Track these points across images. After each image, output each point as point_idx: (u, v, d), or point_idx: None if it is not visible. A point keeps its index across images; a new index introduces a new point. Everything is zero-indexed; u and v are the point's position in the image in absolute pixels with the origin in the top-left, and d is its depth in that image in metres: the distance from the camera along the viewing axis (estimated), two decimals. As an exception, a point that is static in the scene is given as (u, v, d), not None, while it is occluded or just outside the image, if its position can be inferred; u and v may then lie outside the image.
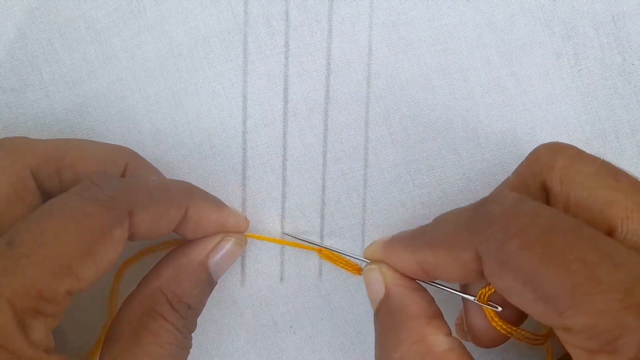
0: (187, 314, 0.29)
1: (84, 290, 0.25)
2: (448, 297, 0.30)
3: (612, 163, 0.27)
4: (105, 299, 0.33)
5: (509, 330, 0.28)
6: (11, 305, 0.22)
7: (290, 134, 0.34)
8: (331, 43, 0.34)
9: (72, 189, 0.26)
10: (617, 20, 0.33)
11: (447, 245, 0.26)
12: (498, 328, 0.28)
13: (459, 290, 0.30)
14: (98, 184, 0.26)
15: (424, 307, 0.27)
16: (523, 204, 0.24)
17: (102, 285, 0.33)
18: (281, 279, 0.35)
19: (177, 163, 0.34)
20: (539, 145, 0.28)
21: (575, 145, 0.28)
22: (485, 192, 0.34)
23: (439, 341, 0.26)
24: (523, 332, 0.28)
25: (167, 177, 0.33)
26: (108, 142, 0.33)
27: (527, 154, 0.29)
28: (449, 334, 0.26)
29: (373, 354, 0.28)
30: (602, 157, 0.27)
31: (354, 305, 0.35)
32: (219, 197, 0.32)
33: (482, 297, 0.28)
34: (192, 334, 0.30)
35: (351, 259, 0.33)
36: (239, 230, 0.32)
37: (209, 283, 0.31)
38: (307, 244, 0.34)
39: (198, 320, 0.30)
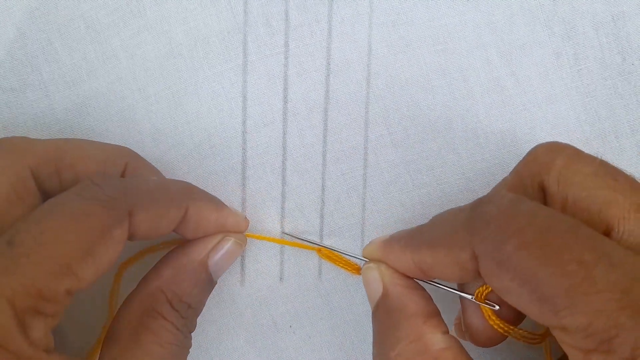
0: (187, 314, 0.29)
1: (83, 290, 0.25)
2: (448, 296, 0.30)
3: (612, 163, 0.27)
4: (105, 299, 0.33)
5: (506, 329, 0.28)
6: (11, 305, 0.22)
7: (290, 134, 0.34)
8: (331, 43, 0.34)
9: (72, 189, 0.26)
10: (617, 20, 0.33)
11: (444, 245, 0.26)
12: (495, 327, 0.28)
13: (456, 288, 0.30)
14: (98, 184, 0.26)
15: (422, 306, 0.27)
16: (520, 204, 0.24)
17: (102, 285, 0.33)
18: (281, 278, 0.35)
19: (177, 163, 0.34)
20: (537, 145, 0.28)
21: (575, 145, 0.28)
22: (484, 192, 0.33)
23: (435, 340, 0.26)
24: (521, 331, 0.28)
25: (167, 177, 0.33)
26: (108, 142, 0.33)
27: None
28: (446, 332, 0.27)
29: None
30: (601, 157, 0.27)
31: (353, 305, 0.35)
32: (219, 197, 0.32)
33: (479, 295, 0.28)
34: (192, 334, 0.30)
35: (351, 258, 0.33)
36: (238, 230, 0.32)
37: (208, 283, 0.31)
38: (306, 243, 0.34)
39: (198, 320, 0.30)
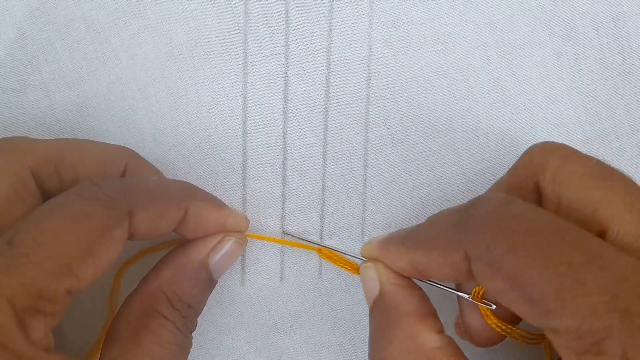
0: (187, 314, 0.29)
1: (83, 290, 0.25)
2: (448, 296, 0.30)
3: (612, 163, 0.27)
4: (105, 299, 0.33)
5: (504, 328, 0.28)
6: (11, 305, 0.22)
7: (290, 134, 0.34)
8: (331, 43, 0.34)
9: (72, 189, 0.26)
10: (617, 20, 0.33)
11: (438, 246, 0.26)
12: (493, 326, 0.28)
13: (453, 288, 0.30)
14: (98, 184, 0.26)
15: (417, 306, 0.27)
16: (511, 205, 0.24)
17: (102, 285, 0.33)
18: (281, 278, 0.35)
19: (177, 163, 0.34)
20: (533, 145, 0.28)
21: (575, 145, 0.28)
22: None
23: (430, 339, 0.26)
24: (519, 330, 0.28)
25: (167, 177, 0.33)
26: (108, 142, 0.33)
27: (524, 154, 0.29)
28: (441, 332, 0.26)
29: (372, 353, 0.28)
30: (602, 157, 0.27)
31: (353, 305, 0.35)
32: (219, 197, 0.32)
33: (476, 295, 0.28)
34: (192, 334, 0.30)
35: (351, 258, 0.33)
36: (239, 230, 0.32)
37: (209, 282, 0.31)
38: (307, 243, 0.34)
39: (198, 319, 0.31)
